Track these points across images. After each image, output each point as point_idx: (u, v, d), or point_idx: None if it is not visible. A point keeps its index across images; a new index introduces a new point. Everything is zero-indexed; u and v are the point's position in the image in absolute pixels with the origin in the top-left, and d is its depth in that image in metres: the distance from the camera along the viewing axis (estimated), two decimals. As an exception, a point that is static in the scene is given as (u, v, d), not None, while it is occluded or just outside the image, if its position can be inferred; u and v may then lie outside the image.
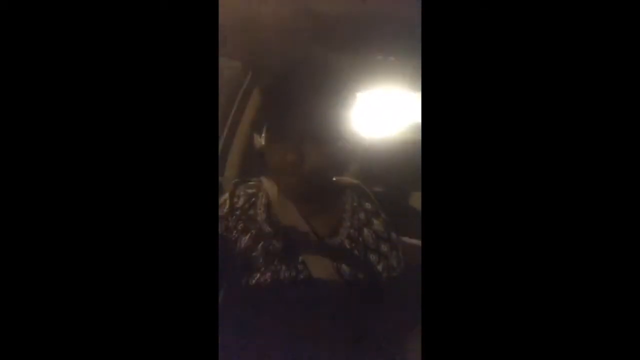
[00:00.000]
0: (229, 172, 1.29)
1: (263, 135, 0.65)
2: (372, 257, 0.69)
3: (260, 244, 0.66)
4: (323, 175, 0.66)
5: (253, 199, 0.72)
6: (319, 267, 0.66)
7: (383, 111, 1.18)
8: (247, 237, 0.68)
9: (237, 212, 0.70)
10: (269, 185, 0.72)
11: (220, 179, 1.24)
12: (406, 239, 0.77)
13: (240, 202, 0.72)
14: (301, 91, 0.62)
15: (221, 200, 0.73)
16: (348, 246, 0.68)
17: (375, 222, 0.72)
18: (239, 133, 1.29)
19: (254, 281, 0.64)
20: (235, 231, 0.69)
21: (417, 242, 0.67)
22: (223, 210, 0.71)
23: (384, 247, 0.71)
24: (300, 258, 0.66)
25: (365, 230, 0.71)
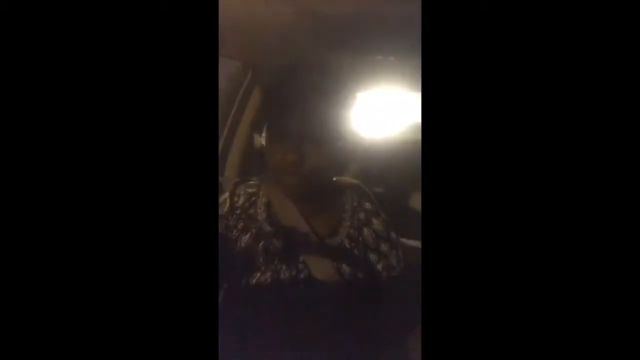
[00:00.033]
0: (229, 172, 1.29)
1: (263, 135, 0.65)
2: (372, 257, 0.69)
3: (261, 244, 0.66)
4: (323, 175, 0.66)
5: (253, 198, 0.72)
6: (319, 267, 0.66)
7: (383, 111, 1.18)
8: (247, 236, 0.68)
9: (237, 211, 0.70)
10: (269, 185, 0.72)
11: (220, 178, 1.24)
12: (405, 241, 0.77)
13: (241, 201, 0.72)
14: (301, 91, 0.62)
15: (221, 199, 0.73)
16: (348, 246, 0.68)
17: (375, 221, 0.73)
18: (239, 133, 1.29)
19: (254, 281, 0.64)
20: (235, 230, 0.69)
21: (417, 243, 0.68)
22: (223, 209, 0.71)
23: (384, 247, 0.71)
24: (301, 257, 0.66)
25: (365, 230, 0.71)
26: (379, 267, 0.69)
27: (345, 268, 0.67)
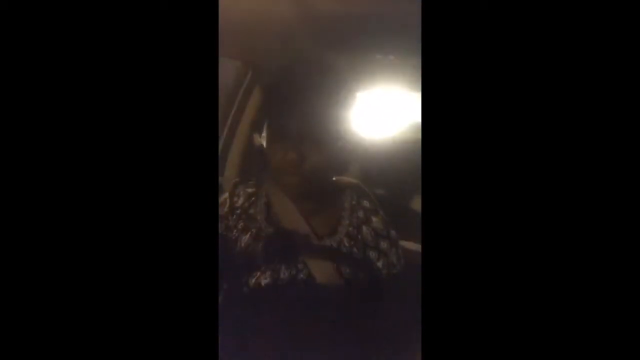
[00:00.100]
0: (229, 172, 1.29)
1: (263, 135, 0.65)
2: (372, 255, 0.69)
3: (260, 243, 0.66)
4: (323, 175, 0.66)
5: (253, 198, 0.72)
6: (319, 266, 0.66)
7: (383, 111, 1.18)
8: (247, 236, 0.68)
9: (237, 211, 0.71)
10: (269, 185, 0.72)
11: (220, 178, 1.24)
12: (405, 243, 0.77)
13: (240, 201, 0.72)
14: (301, 91, 0.62)
15: (221, 199, 0.73)
16: (347, 244, 0.68)
17: (374, 219, 0.73)
18: (239, 133, 1.30)
19: (254, 280, 0.65)
20: (235, 230, 0.69)
21: (417, 246, 0.68)
22: (223, 209, 0.71)
23: (384, 244, 0.71)
24: (300, 257, 0.66)
25: (364, 228, 0.71)
26: (379, 264, 0.69)
27: (345, 267, 0.67)
